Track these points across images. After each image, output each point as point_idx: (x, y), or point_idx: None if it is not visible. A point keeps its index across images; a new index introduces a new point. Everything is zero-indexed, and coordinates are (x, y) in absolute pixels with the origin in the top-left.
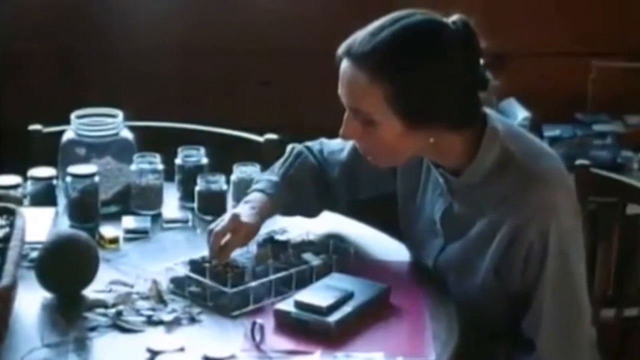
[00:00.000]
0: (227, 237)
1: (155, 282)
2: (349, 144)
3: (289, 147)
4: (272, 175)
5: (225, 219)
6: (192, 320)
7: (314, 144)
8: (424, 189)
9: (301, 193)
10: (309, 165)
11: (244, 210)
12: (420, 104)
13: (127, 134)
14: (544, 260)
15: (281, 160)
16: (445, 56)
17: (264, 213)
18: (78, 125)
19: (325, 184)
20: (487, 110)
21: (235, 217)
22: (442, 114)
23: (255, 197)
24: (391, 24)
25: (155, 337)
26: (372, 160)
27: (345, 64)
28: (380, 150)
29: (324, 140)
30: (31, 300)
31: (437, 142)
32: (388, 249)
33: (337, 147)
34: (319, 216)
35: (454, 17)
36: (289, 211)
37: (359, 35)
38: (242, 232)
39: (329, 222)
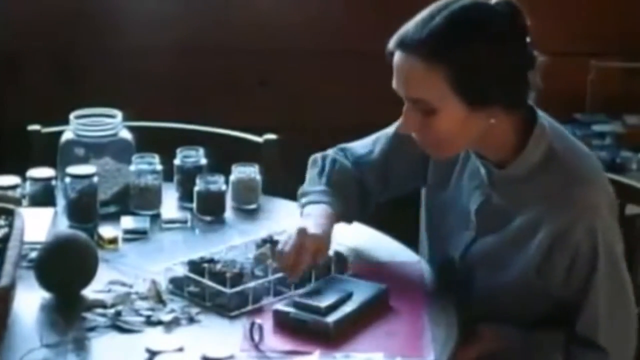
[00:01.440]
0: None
1: (154, 282)
2: (377, 145)
3: (311, 159)
4: (316, 185)
5: (292, 236)
6: (191, 320)
7: (336, 150)
8: (458, 180)
9: (349, 197)
10: (347, 169)
11: (308, 224)
12: (480, 82)
13: (126, 135)
14: (594, 262)
15: (315, 171)
16: (497, 35)
17: (328, 222)
18: (77, 126)
19: (363, 186)
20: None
21: (302, 232)
22: (500, 92)
23: (312, 209)
24: (439, 11)
25: (154, 337)
26: (431, 153)
27: (398, 56)
28: (441, 140)
29: (342, 145)
30: (30, 301)
31: (491, 129)
32: (387, 249)
33: (363, 150)
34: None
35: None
36: (342, 216)
37: (409, 26)
38: (311, 246)
39: None
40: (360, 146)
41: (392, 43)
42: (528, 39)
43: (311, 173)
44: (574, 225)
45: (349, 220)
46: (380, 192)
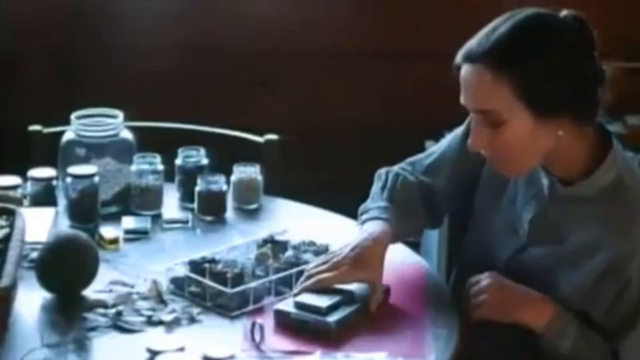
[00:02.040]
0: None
1: (155, 282)
2: (443, 148)
3: (376, 174)
4: (379, 201)
5: (347, 256)
6: (192, 320)
7: (402, 165)
8: (514, 186)
9: (413, 212)
10: (411, 183)
11: (366, 252)
12: (548, 92)
13: (127, 135)
14: None
15: (379, 186)
16: (563, 44)
17: (385, 240)
18: (78, 126)
19: (430, 199)
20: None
21: (358, 263)
22: (568, 103)
23: (370, 226)
24: (504, 22)
25: (155, 337)
26: (499, 170)
27: (465, 69)
28: (510, 155)
29: (410, 159)
30: (31, 301)
31: (560, 143)
32: (388, 250)
33: (429, 157)
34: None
35: (564, 12)
36: (405, 233)
37: (474, 40)
38: (355, 279)
39: (329, 223)
40: (426, 155)
41: (458, 57)
42: (596, 54)
43: (374, 189)
44: (631, 259)
45: (413, 235)
46: (450, 195)
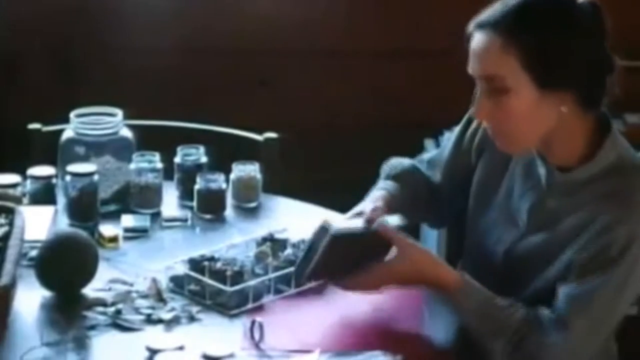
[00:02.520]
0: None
1: (154, 280)
2: (444, 143)
3: (386, 163)
4: (383, 180)
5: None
6: (192, 318)
7: (412, 160)
8: (511, 182)
9: (416, 194)
10: (417, 171)
11: (366, 205)
12: (552, 64)
13: (126, 133)
14: (618, 260)
15: (386, 171)
16: (577, 24)
17: (386, 202)
18: (77, 124)
19: (434, 194)
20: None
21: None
22: (573, 80)
23: (372, 195)
24: None
25: (155, 335)
26: (500, 144)
27: (476, 37)
28: (512, 127)
29: (420, 156)
30: (30, 299)
31: (561, 124)
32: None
33: (434, 152)
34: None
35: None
36: (403, 205)
37: (488, 10)
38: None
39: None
40: (427, 153)
41: (471, 26)
42: (607, 44)
43: (382, 175)
44: (619, 223)
45: (411, 215)
46: (449, 193)
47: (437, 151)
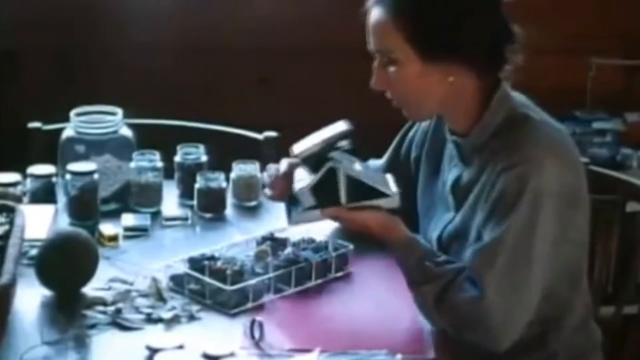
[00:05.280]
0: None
1: (154, 279)
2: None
3: None
4: None
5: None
6: (192, 317)
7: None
8: (444, 166)
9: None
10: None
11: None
12: (437, 39)
13: (126, 132)
14: (515, 205)
15: None
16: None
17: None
18: (77, 123)
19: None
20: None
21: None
22: (461, 53)
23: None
24: None
25: (155, 334)
26: (405, 114)
27: (372, 12)
28: (408, 97)
29: None
30: (30, 298)
31: (455, 90)
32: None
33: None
34: None
35: None
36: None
37: None
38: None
39: (328, 220)
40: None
41: (368, 2)
42: (502, 13)
43: None
44: (509, 170)
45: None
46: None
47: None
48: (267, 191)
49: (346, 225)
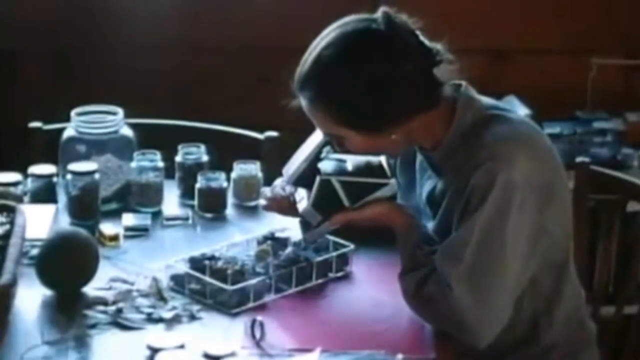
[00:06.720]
0: None
1: (155, 279)
2: None
3: None
4: None
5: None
6: (192, 317)
7: None
8: (418, 178)
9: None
10: None
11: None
12: (362, 116)
13: (127, 132)
14: (483, 200)
15: None
16: (374, 57)
17: None
18: (78, 123)
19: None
20: (464, 83)
21: None
22: (393, 115)
23: None
24: (310, 52)
25: (155, 334)
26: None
27: (301, 100)
28: (370, 153)
29: None
30: (31, 298)
31: (409, 131)
32: (388, 247)
33: None
34: None
35: (377, 14)
36: None
37: (298, 67)
38: None
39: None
40: None
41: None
42: (422, 39)
43: None
44: (478, 168)
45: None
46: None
47: None
48: (262, 201)
49: (359, 225)
